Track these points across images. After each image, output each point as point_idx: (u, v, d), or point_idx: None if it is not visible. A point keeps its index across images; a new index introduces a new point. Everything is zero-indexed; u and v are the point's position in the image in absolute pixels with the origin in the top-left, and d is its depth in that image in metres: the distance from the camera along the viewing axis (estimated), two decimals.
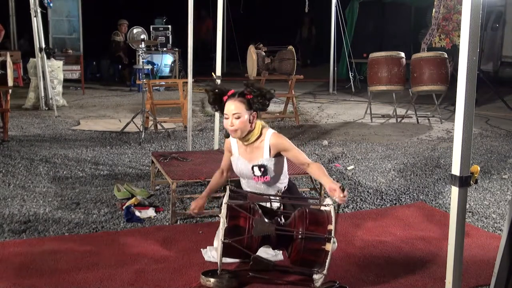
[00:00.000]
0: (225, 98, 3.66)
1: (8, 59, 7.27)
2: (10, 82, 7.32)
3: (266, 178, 3.67)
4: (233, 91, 3.68)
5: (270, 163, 3.67)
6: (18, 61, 11.21)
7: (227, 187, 3.50)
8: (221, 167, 3.96)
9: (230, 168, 3.92)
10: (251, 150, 3.72)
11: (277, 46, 9.26)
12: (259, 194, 3.68)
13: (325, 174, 3.55)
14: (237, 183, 3.91)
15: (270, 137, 3.68)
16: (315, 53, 17.45)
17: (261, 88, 3.70)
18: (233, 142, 3.82)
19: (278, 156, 3.70)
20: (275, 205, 3.67)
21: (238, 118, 3.60)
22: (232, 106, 3.59)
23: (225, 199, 3.38)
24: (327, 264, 3.23)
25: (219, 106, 3.71)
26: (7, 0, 12.25)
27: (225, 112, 3.63)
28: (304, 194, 4.90)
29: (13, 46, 12.56)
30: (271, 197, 3.67)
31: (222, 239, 3.26)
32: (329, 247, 3.24)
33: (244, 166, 3.73)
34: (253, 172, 3.68)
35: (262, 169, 3.65)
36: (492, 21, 13.43)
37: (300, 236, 3.28)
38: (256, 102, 3.61)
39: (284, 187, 3.83)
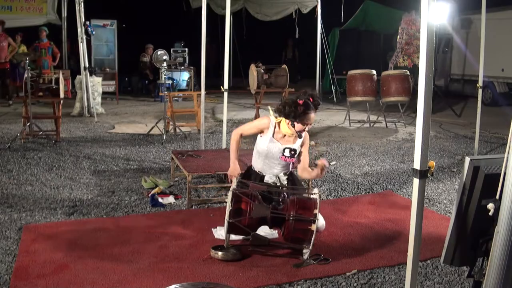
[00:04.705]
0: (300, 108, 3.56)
1: (60, 77, 7.26)
2: (62, 95, 7.32)
3: (291, 160, 3.71)
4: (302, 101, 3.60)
5: (299, 149, 3.74)
6: (68, 77, 11.22)
7: (234, 178, 3.51)
8: (242, 132, 3.82)
9: (248, 135, 3.94)
10: (287, 137, 3.72)
11: (273, 65, 9.23)
12: (260, 185, 3.68)
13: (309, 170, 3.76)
14: (243, 175, 3.83)
15: (305, 133, 3.75)
16: (302, 71, 17.26)
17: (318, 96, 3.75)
18: (271, 127, 3.72)
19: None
20: (284, 180, 3.72)
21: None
22: (313, 117, 3.63)
23: (232, 187, 3.38)
24: (312, 240, 3.24)
25: (296, 115, 3.60)
26: (61, 30, 12.39)
27: (307, 122, 3.60)
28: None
29: (64, 66, 12.62)
30: (269, 186, 3.66)
31: (227, 219, 3.26)
32: (314, 227, 3.24)
33: (276, 147, 3.68)
34: (283, 152, 3.68)
35: (292, 152, 3.69)
36: (443, 46, 13.46)
37: (291, 218, 3.29)
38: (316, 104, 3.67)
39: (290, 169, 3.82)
